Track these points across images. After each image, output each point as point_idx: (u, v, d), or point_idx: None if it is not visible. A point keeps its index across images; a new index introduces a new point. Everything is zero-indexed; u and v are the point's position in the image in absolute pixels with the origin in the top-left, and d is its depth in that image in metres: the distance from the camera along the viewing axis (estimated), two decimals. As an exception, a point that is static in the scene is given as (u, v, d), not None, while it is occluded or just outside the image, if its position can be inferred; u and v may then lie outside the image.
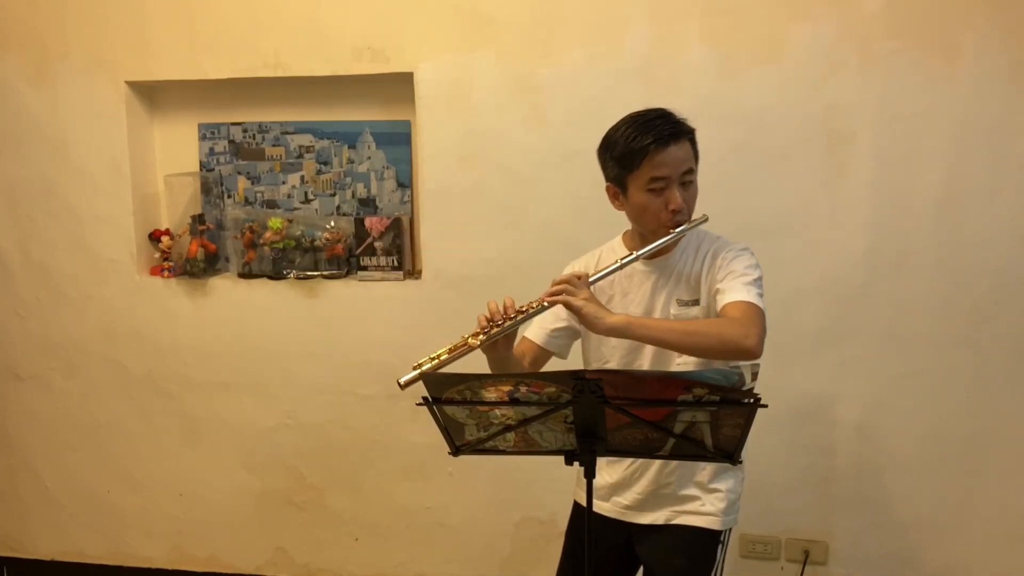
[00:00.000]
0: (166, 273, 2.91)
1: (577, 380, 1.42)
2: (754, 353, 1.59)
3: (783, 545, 2.65)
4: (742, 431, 1.48)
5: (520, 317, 1.66)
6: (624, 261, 1.73)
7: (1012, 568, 2.52)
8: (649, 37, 2.49)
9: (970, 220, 2.40)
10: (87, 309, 2.97)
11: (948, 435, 2.50)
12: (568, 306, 1.65)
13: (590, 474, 1.55)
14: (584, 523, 1.69)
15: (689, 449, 1.54)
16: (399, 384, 1.60)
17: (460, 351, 1.64)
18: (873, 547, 2.59)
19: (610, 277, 1.80)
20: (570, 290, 1.65)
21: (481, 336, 1.65)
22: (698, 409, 1.45)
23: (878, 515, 2.57)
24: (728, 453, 1.53)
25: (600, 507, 1.90)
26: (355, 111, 2.86)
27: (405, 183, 2.87)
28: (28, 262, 2.99)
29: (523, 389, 1.47)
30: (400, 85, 2.68)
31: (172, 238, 2.92)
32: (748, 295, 1.67)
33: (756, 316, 1.64)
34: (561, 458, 1.57)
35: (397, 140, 2.84)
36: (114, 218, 2.90)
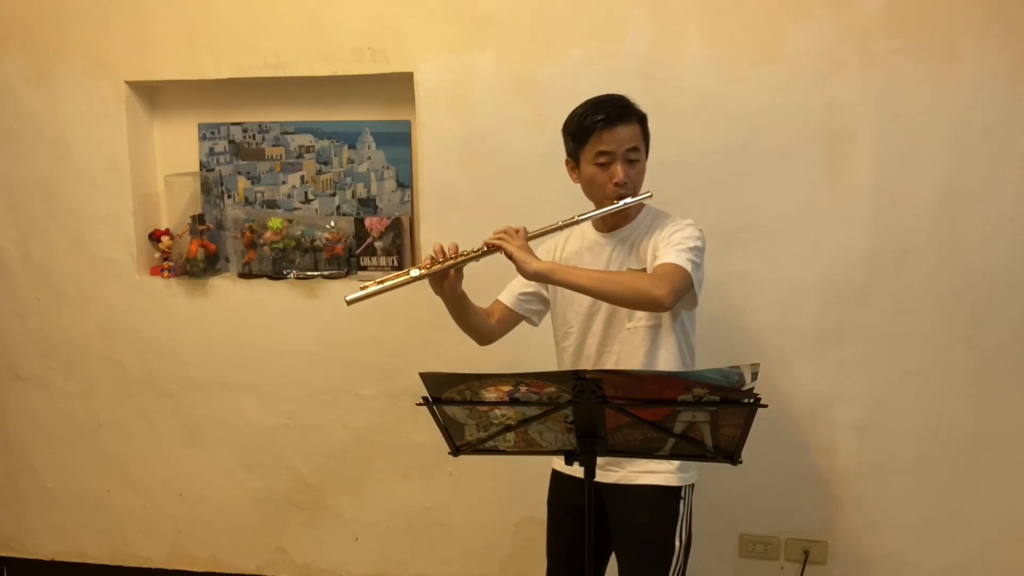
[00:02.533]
0: (166, 273, 2.91)
1: (577, 380, 1.42)
2: (662, 303, 1.74)
3: (783, 545, 2.65)
4: (742, 431, 1.48)
5: (461, 258, 1.85)
6: (563, 223, 1.89)
7: (1012, 568, 2.52)
8: (649, 37, 2.49)
9: (970, 220, 2.40)
10: (87, 309, 2.97)
11: (948, 435, 2.50)
12: (502, 250, 1.82)
13: (590, 474, 1.56)
14: (558, 491, 2.08)
15: (689, 449, 1.54)
16: (346, 301, 1.82)
17: (402, 280, 1.82)
18: (873, 547, 2.59)
19: (574, 248, 2.03)
20: (505, 238, 1.84)
21: (423, 270, 1.83)
22: (698, 409, 1.45)
23: (878, 515, 2.57)
24: (728, 453, 1.53)
25: (568, 469, 1.93)
26: (355, 111, 2.86)
27: (405, 183, 2.87)
28: (28, 262, 2.99)
29: (523, 389, 1.47)
30: (400, 85, 2.68)
31: (172, 238, 2.92)
32: (676, 258, 1.81)
33: (674, 274, 1.78)
34: (551, 459, 1.58)
35: (397, 140, 2.84)
36: (114, 218, 2.90)
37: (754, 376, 1.39)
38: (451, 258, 1.85)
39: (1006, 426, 2.47)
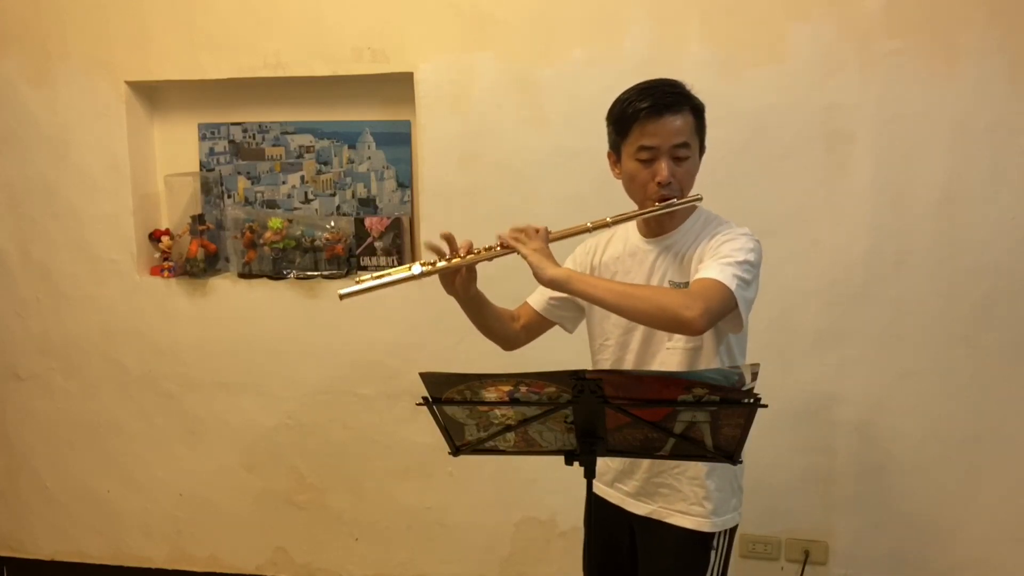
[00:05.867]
0: (166, 273, 2.91)
1: (577, 380, 1.42)
2: (694, 327, 1.52)
3: (783, 545, 2.65)
4: (742, 431, 1.48)
5: (470, 258, 1.67)
6: (592, 224, 1.69)
7: (1012, 568, 2.52)
8: (649, 37, 2.49)
9: (970, 220, 2.40)
10: (87, 309, 2.97)
11: (948, 435, 2.50)
12: (518, 252, 1.65)
13: (590, 474, 1.55)
14: (596, 513, 1.78)
15: (689, 449, 1.54)
16: (339, 295, 1.66)
17: (402, 276, 1.67)
18: (873, 547, 2.59)
19: (615, 253, 1.80)
20: (522, 238, 1.65)
21: (427, 267, 1.66)
22: (698, 409, 1.45)
23: (878, 515, 2.57)
24: (728, 453, 1.52)
25: (605, 492, 1.89)
26: (355, 111, 2.86)
27: (405, 183, 2.87)
28: (28, 262, 2.99)
29: (523, 389, 1.47)
30: (400, 85, 2.68)
31: (172, 238, 2.92)
32: (719, 273, 1.58)
33: (712, 292, 1.55)
34: (561, 458, 1.57)
35: (397, 140, 2.84)
36: (114, 218, 2.90)
37: (754, 376, 1.39)
38: (458, 255, 1.67)
39: (1006, 426, 2.47)
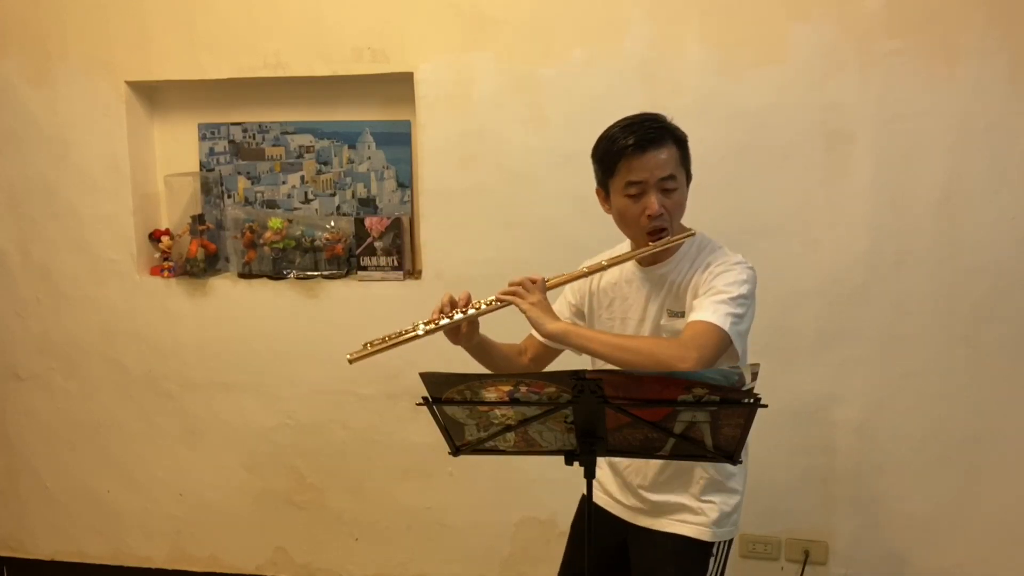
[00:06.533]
0: (166, 273, 2.91)
1: (577, 380, 1.42)
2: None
3: (783, 545, 2.65)
4: (742, 431, 1.48)
5: (471, 312, 1.72)
6: (588, 269, 1.75)
7: (1012, 568, 2.52)
8: (649, 37, 2.49)
9: (970, 220, 2.40)
10: (87, 309, 2.97)
11: (948, 435, 2.50)
12: (517, 307, 1.69)
13: (590, 474, 1.56)
14: (585, 521, 1.70)
15: (689, 449, 1.54)
16: (348, 359, 1.74)
17: (407, 338, 1.73)
18: (873, 547, 2.59)
19: (612, 279, 1.84)
20: (521, 292, 1.70)
21: (431, 325, 1.71)
22: (698, 409, 1.45)
23: (878, 515, 2.57)
24: (728, 453, 1.52)
25: (603, 501, 1.91)
26: (355, 111, 2.86)
27: (405, 183, 2.87)
28: (28, 262, 2.99)
29: (523, 389, 1.47)
30: (400, 85, 2.68)
31: (172, 238, 2.92)
32: (713, 315, 1.61)
33: (706, 337, 1.59)
34: (561, 458, 1.57)
35: (397, 140, 2.84)
36: (114, 218, 2.90)
37: (754, 376, 1.39)
38: (461, 311, 1.72)
39: (1006, 426, 2.47)
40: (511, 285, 1.72)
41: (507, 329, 1.92)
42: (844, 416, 2.55)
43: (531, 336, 1.91)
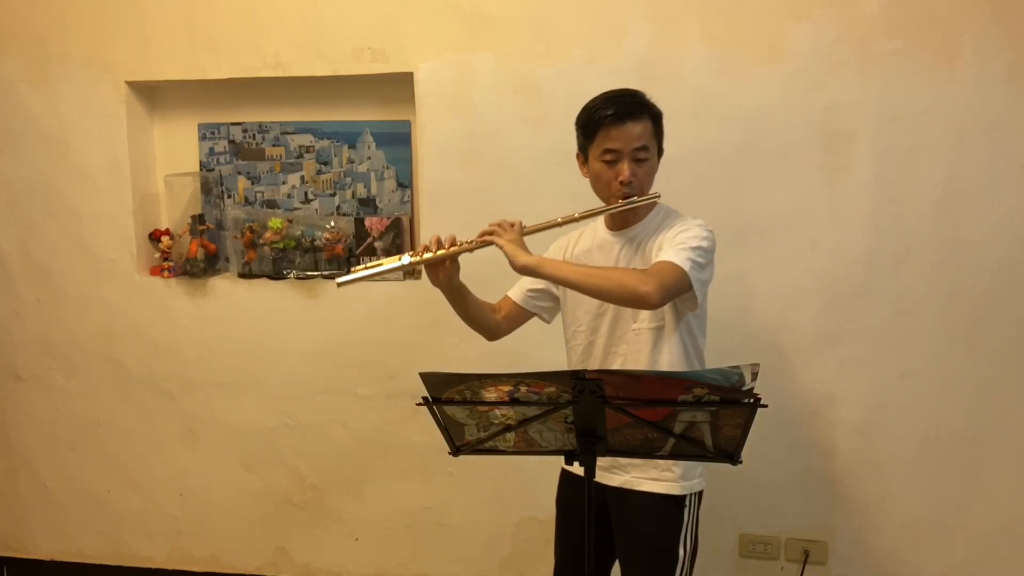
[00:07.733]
0: (166, 273, 2.91)
1: (577, 380, 1.42)
2: (650, 301, 1.70)
3: (783, 545, 2.65)
4: (742, 431, 1.48)
5: (452, 249, 1.84)
6: (562, 219, 1.87)
7: (1012, 568, 2.52)
8: (649, 37, 2.49)
9: (970, 220, 2.40)
10: (87, 309, 2.97)
11: (948, 435, 2.50)
12: (495, 243, 1.82)
13: (590, 474, 1.56)
14: (566, 490, 2.03)
15: (689, 449, 1.54)
16: (337, 283, 1.84)
17: (393, 265, 1.85)
18: (873, 547, 2.59)
19: (585, 246, 2.00)
20: (499, 231, 1.84)
21: (415, 257, 1.84)
22: (698, 409, 1.45)
23: (878, 515, 2.57)
24: (728, 453, 1.53)
25: (575, 468, 1.93)
26: (355, 111, 2.86)
27: (405, 183, 2.87)
28: (28, 262, 2.99)
29: (523, 389, 1.47)
30: (400, 85, 2.68)
31: (172, 238, 2.92)
32: (675, 256, 1.76)
33: (667, 272, 1.73)
34: (561, 458, 1.57)
35: (397, 140, 2.84)
36: (114, 218, 2.90)
37: (754, 376, 1.39)
38: (442, 247, 1.84)
39: (1005, 426, 2.47)
40: (490, 226, 1.86)
41: (492, 297, 2.05)
42: (844, 416, 2.55)
43: (506, 296, 2.07)
